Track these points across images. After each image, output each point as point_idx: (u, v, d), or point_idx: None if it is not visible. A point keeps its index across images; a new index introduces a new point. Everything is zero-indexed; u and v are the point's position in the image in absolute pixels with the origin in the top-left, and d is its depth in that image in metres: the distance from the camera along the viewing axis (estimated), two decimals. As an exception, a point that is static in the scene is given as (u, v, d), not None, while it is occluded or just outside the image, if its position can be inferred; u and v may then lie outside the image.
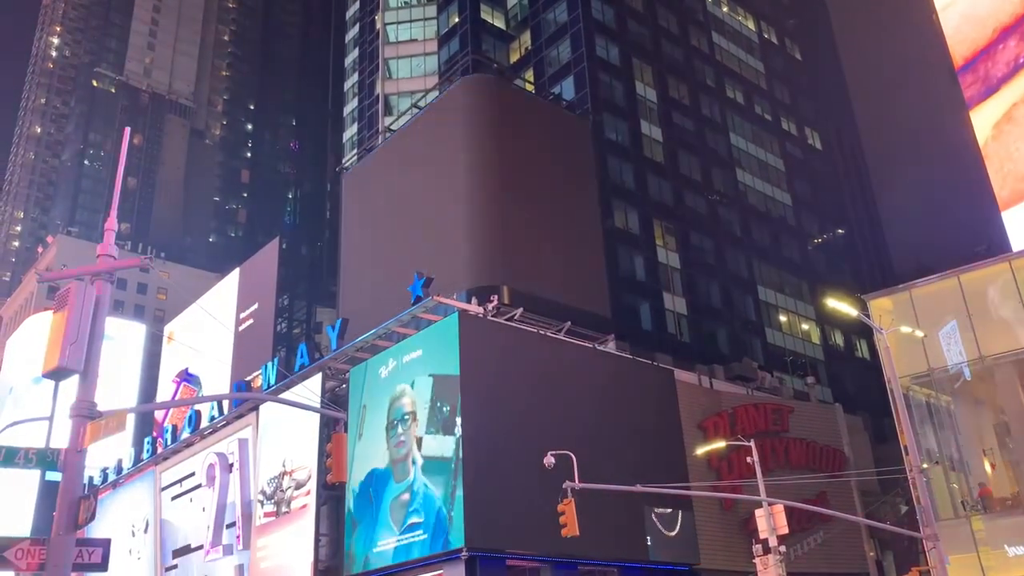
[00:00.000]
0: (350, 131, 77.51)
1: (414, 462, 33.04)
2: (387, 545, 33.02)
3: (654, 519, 36.59)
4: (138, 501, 52.05)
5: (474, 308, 36.01)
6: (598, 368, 39.57)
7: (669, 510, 37.20)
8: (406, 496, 32.81)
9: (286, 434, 39.41)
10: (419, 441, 33.04)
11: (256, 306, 59.86)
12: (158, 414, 66.00)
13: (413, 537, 31.94)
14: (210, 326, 62.12)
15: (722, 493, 38.13)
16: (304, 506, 36.85)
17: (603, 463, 32.02)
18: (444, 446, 31.91)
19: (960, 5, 39.91)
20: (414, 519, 32.00)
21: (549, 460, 24.91)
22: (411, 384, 34.61)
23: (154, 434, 56.82)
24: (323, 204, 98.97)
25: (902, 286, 35.86)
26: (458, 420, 31.63)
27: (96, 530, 46.79)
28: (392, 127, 62.68)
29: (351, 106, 78.20)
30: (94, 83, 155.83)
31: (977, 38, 38.57)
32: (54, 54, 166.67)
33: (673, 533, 37.23)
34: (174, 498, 47.98)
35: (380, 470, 34.53)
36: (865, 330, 55.75)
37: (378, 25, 74.05)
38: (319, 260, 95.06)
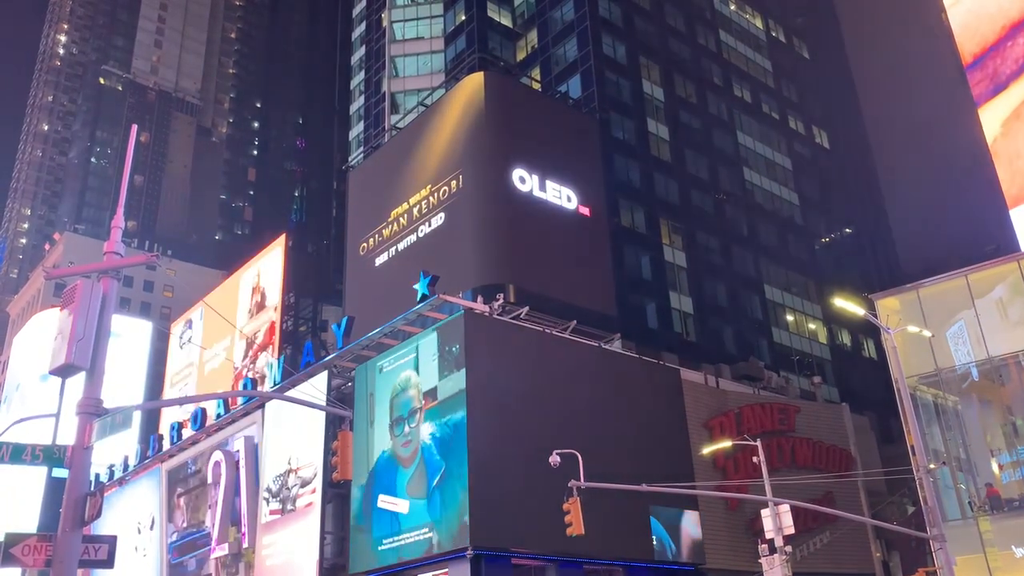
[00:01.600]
0: (356, 129, 77.55)
1: (422, 443, 33.17)
2: (391, 543, 33.03)
3: (660, 518, 36.52)
4: (144, 498, 52.18)
5: (480, 306, 35.98)
6: (604, 367, 39.50)
7: (675, 509, 37.13)
8: (421, 468, 32.86)
9: (292, 432, 39.45)
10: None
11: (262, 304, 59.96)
12: (164, 411, 66.18)
13: (419, 535, 31.95)
14: (216, 324, 62.31)
15: (728, 493, 38.02)
16: (310, 504, 36.89)
17: (609, 462, 31.97)
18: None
19: (968, 2, 39.71)
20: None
21: (555, 459, 24.87)
22: (415, 365, 34.58)
23: (160, 431, 56.98)
24: (329, 202, 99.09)
25: (909, 285, 35.72)
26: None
27: (102, 527, 46.89)
28: (398, 125, 62.68)
29: (357, 104, 78.23)
30: (101, 81, 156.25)
31: (986, 35, 38.38)
32: (61, 52, 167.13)
33: (678, 533, 37.16)
34: (180, 495, 48.10)
35: (388, 461, 34.58)
36: (872, 330, 55.60)
37: (384, 23, 74.04)
38: (325, 258, 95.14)
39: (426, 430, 33.13)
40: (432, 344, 34.16)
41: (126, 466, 54.72)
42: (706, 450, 38.99)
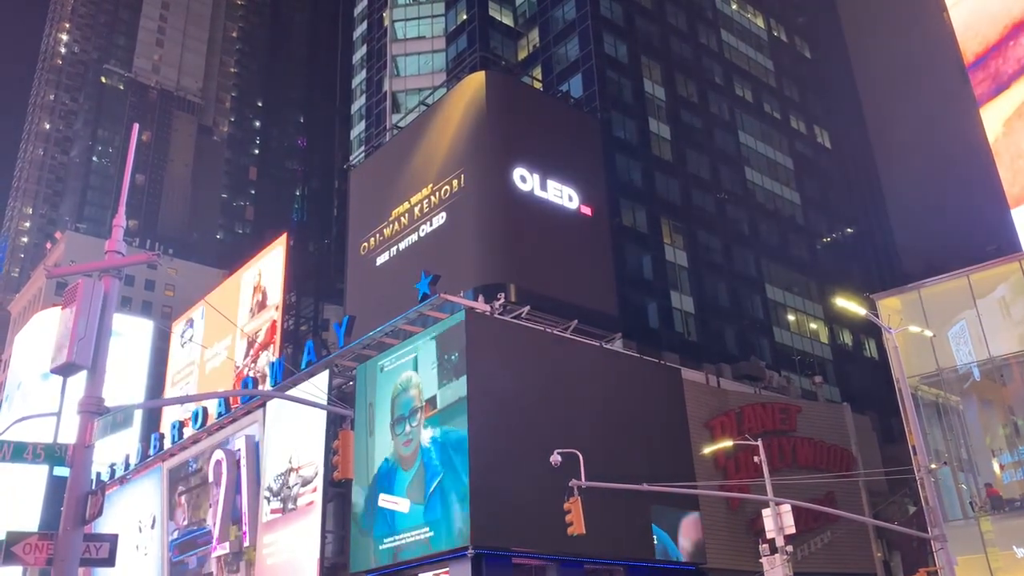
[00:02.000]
0: (358, 128, 77.54)
1: (421, 446, 33.12)
2: (392, 543, 33.03)
3: (661, 518, 36.50)
4: (145, 497, 52.23)
5: (481, 306, 35.97)
6: (605, 367, 39.48)
7: (676, 509, 37.11)
8: (420, 473, 32.85)
9: (293, 431, 39.47)
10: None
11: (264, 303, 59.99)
12: (165, 410, 66.20)
13: (420, 534, 31.96)
14: (217, 322, 62.32)
15: (729, 492, 37.99)
16: (311, 503, 36.91)
17: (610, 462, 31.98)
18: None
19: (970, 1, 39.65)
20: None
21: (556, 459, 24.87)
22: (415, 365, 34.57)
23: (161, 430, 56.99)
24: (331, 201, 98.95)
25: (911, 285, 35.67)
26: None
27: (103, 526, 46.86)
28: (399, 124, 62.68)
29: (359, 103, 78.23)
30: (103, 80, 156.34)
31: (988, 34, 38.32)
32: (63, 51, 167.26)
33: (679, 532, 37.14)
34: (181, 494, 48.14)
35: (388, 462, 34.58)
36: (874, 329, 55.54)
37: (386, 22, 74.05)
38: (326, 257, 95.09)
39: (427, 434, 33.09)
40: (431, 352, 34.02)
41: (127, 465, 54.78)
42: (707, 450, 38.96)
